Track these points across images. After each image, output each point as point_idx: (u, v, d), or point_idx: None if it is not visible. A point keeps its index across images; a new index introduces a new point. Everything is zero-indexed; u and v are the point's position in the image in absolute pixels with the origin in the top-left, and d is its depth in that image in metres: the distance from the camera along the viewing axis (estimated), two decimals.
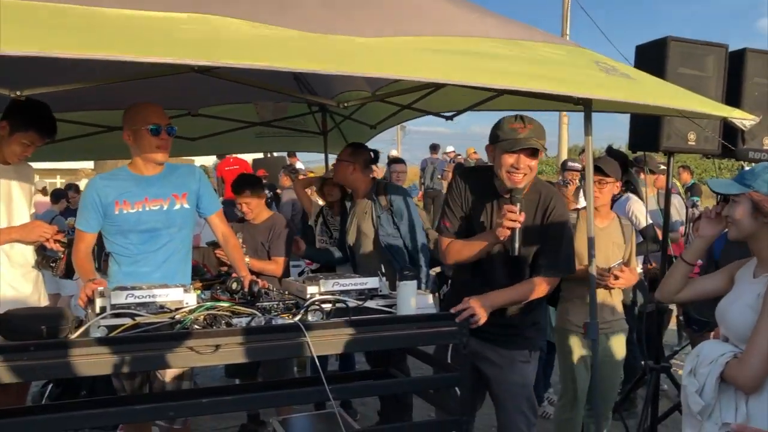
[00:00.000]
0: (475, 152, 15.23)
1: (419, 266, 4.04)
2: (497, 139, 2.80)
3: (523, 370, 3.00)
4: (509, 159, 2.75)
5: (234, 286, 2.83)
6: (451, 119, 4.34)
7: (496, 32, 2.83)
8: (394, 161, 7.32)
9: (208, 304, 2.60)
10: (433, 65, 2.41)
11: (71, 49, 1.85)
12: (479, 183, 2.98)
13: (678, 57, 3.80)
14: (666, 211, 4.22)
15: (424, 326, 2.66)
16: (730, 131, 3.78)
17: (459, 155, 16.07)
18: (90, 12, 2.13)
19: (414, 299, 2.74)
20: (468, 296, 2.80)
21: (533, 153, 2.76)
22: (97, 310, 2.49)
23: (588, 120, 2.98)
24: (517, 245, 2.73)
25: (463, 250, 2.94)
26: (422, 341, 2.78)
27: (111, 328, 2.38)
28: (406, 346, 3.00)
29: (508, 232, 2.71)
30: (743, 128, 2.95)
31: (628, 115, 3.99)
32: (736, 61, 3.98)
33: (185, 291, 2.64)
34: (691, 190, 10.81)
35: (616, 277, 3.54)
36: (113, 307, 2.49)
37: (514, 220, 2.69)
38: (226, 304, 2.63)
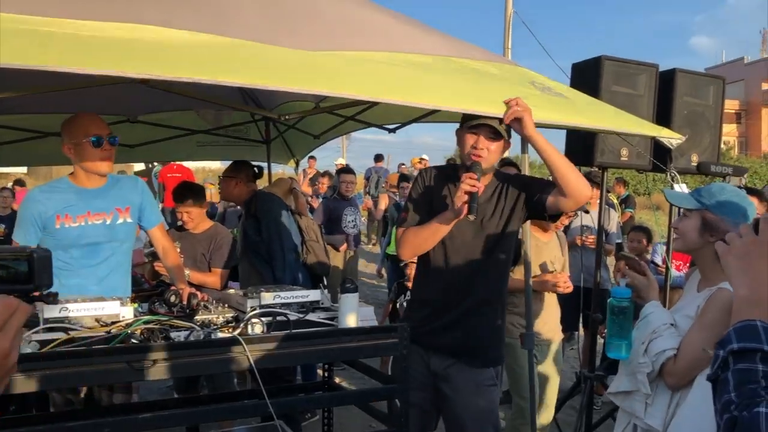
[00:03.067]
0: (420, 161, 15.37)
1: (276, 276, 4.16)
2: (463, 122, 2.79)
3: (490, 394, 2.91)
4: (470, 139, 2.73)
5: (172, 299, 2.79)
6: (394, 132, 4.40)
7: (436, 49, 2.89)
8: (343, 171, 7.33)
9: (146, 317, 2.56)
10: (366, 84, 2.44)
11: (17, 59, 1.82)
12: (442, 177, 2.93)
13: (611, 75, 3.93)
14: (599, 224, 4.36)
15: (365, 339, 2.68)
16: (660, 147, 3.94)
17: (403, 164, 16.24)
18: (29, 20, 2.09)
19: (356, 312, 2.76)
20: (436, 294, 2.84)
21: (494, 136, 2.72)
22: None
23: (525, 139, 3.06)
24: (476, 206, 2.59)
25: (419, 233, 2.80)
26: (363, 354, 2.79)
27: (44, 343, 2.32)
28: (347, 358, 3.01)
29: (466, 197, 2.58)
30: (670, 146, 3.09)
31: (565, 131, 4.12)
32: (667, 80, 4.15)
33: (122, 304, 2.60)
34: (626, 202, 11.18)
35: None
36: (46, 320, 2.42)
37: (473, 185, 2.58)
38: (164, 318, 2.59)
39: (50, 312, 2.44)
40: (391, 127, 4.45)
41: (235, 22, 2.53)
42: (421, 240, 2.80)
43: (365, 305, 2.93)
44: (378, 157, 16.18)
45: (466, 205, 2.59)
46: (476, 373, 2.87)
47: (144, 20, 2.30)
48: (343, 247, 6.79)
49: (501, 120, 2.62)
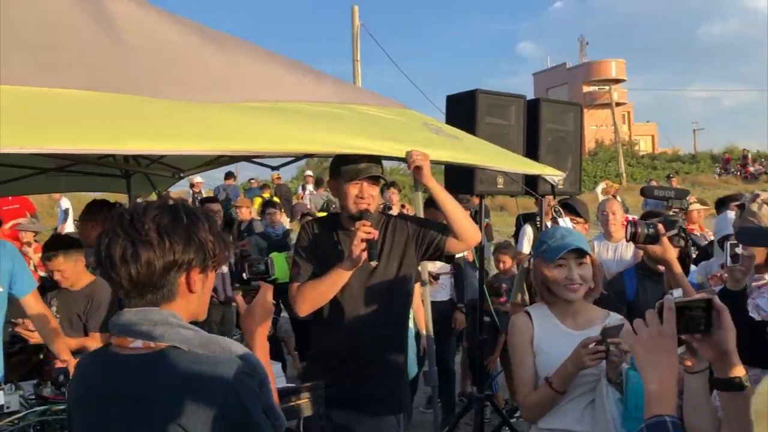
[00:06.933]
0: (278, 177, 15.20)
1: None
2: (339, 172, 2.79)
3: None
4: (353, 189, 2.75)
5: (61, 378, 2.54)
6: (277, 169, 4.29)
7: (331, 96, 2.86)
8: (269, 204, 7.21)
9: (40, 409, 2.30)
10: (265, 136, 2.37)
11: None
12: (325, 227, 2.94)
13: (485, 107, 4.10)
14: (480, 245, 4.51)
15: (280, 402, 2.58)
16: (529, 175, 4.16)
17: (252, 179, 16.02)
18: None
19: None
20: (336, 345, 2.79)
21: (374, 181, 2.78)
22: None
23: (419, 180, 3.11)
24: (375, 252, 2.64)
25: (316, 287, 2.75)
26: None
27: None
28: None
29: (363, 245, 2.61)
30: (554, 183, 3.26)
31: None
32: (533, 109, 4.40)
33: (6, 393, 2.32)
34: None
35: None
36: None
37: (368, 232, 2.62)
38: (58, 405, 2.34)
39: None
40: (274, 164, 4.33)
41: (120, 76, 2.35)
42: (319, 294, 2.76)
43: (273, 362, 2.82)
44: (228, 175, 15.71)
45: (365, 253, 2.62)
46: (378, 422, 2.83)
47: (11, 80, 2.07)
48: None
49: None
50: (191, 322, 1.47)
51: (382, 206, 6.67)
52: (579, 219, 3.99)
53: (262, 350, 1.69)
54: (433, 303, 5.46)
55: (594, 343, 2.19)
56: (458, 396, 5.79)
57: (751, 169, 30.29)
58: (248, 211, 8.84)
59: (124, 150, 1.97)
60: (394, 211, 6.19)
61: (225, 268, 6.40)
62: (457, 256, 5.46)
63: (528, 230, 5.98)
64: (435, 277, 5.33)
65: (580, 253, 2.39)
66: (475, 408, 4.33)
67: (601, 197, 11.38)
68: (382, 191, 7.37)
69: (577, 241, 2.40)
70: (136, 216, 1.42)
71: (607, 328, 2.21)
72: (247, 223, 8.44)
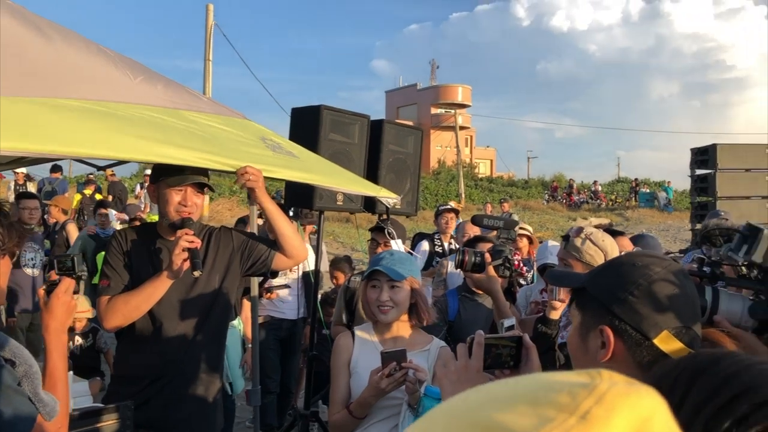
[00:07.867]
0: (113, 174, 14.30)
1: None
2: (161, 177, 2.63)
3: None
4: (176, 196, 2.61)
5: None
6: (104, 169, 4.01)
7: (161, 101, 2.70)
8: (101, 204, 6.42)
9: None
10: (75, 139, 2.19)
11: None
12: (142, 235, 2.77)
13: (329, 124, 4.10)
14: (316, 264, 4.50)
15: (79, 425, 2.38)
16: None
17: (91, 174, 14.99)
18: None
19: None
20: (149, 363, 2.61)
21: (199, 189, 2.66)
22: None
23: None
24: (199, 261, 2.50)
25: (130, 300, 2.55)
26: None
27: None
28: None
29: (185, 254, 2.48)
30: (389, 205, 3.31)
31: None
32: (376, 129, 4.46)
33: None
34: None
35: None
36: None
37: (191, 241, 2.49)
38: None
39: None
40: (100, 164, 4.04)
41: None
42: (133, 307, 2.57)
43: (80, 379, 2.61)
44: (55, 168, 14.35)
45: (187, 263, 2.50)
46: None
47: None
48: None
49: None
50: None
51: (259, 213, 6.45)
52: (388, 240, 3.97)
53: (58, 345, 1.80)
54: (280, 320, 5.41)
55: (382, 372, 2.23)
56: (289, 411, 5.72)
57: (575, 197, 32.99)
58: (58, 210, 7.40)
59: None
60: None
61: (36, 272, 5.87)
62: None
63: (424, 245, 6.25)
64: (268, 289, 5.22)
65: (392, 277, 2.41)
66: (300, 424, 4.29)
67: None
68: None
69: (389, 264, 2.42)
70: None
71: (385, 353, 2.26)
72: (60, 225, 7.33)
